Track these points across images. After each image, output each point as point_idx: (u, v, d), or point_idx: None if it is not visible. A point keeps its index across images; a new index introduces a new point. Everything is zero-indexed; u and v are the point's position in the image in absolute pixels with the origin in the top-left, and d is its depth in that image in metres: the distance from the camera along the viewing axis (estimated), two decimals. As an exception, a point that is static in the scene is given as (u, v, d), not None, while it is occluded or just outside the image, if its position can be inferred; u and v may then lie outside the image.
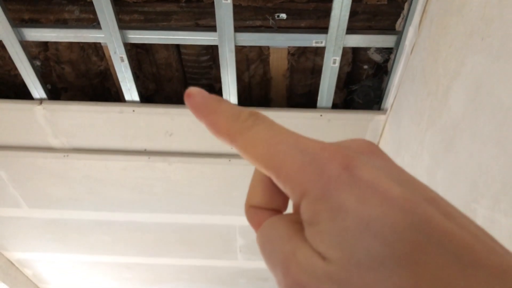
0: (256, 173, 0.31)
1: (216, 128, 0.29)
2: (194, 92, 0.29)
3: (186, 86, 2.00)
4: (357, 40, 1.63)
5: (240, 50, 1.84)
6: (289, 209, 0.30)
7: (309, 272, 0.22)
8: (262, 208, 0.31)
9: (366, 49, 1.80)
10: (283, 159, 0.25)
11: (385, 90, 1.80)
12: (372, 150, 0.26)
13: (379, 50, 1.77)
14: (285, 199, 0.31)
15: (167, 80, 1.97)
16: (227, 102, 0.29)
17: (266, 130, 0.27)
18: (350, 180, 0.23)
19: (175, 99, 2.04)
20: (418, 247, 0.21)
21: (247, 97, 2.02)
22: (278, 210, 0.31)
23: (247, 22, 1.72)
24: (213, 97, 0.29)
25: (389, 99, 1.78)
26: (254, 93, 2.03)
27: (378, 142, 1.92)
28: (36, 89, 1.86)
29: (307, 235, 0.24)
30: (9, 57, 1.76)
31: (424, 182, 0.25)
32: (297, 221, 0.26)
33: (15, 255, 3.15)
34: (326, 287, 0.22)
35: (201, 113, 0.29)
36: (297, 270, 0.23)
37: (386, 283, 0.21)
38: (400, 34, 1.61)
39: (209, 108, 0.29)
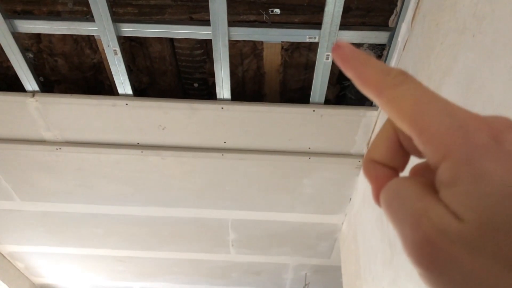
0: (385, 128, 0.31)
1: (365, 80, 0.29)
2: (342, 44, 0.30)
3: (179, 80, 2.01)
4: (350, 36, 1.64)
5: (234, 45, 1.85)
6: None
7: (442, 230, 0.23)
8: (382, 163, 0.31)
9: (359, 45, 1.80)
10: (431, 119, 0.26)
11: (377, 86, 1.81)
12: None
13: (372, 46, 1.78)
14: (406, 160, 0.31)
15: (161, 73, 1.97)
16: (375, 58, 0.30)
17: (416, 89, 0.27)
18: (498, 150, 0.24)
19: (169, 92, 2.04)
20: None
21: (240, 92, 2.03)
22: (396, 169, 0.31)
23: (241, 17, 1.72)
24: (361, 51, 0.30)
25: (382, 95, 1.79)
26: (248, 88, 2.03)
27: (370, 138, 1.93)
28: (29, 81, 1.85)
29: (442, 195, 0.24)
30: (1, 49, 1.75)
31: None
32: (427, 183, 0.26)
33: (7, 248, 3.14)
34: (458, 247, 0.23)
35: (351, 64, 0.30)
36: (429, 226, 0.24)
37: None
38: (393, 31, 1.62)
39: (359, 60, 0.29)
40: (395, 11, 1.65)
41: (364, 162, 0.32)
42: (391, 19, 1.68)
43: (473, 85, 1.05)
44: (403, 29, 1.55)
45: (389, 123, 0.30)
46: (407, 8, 1.51)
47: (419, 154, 0.29)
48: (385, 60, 1.71)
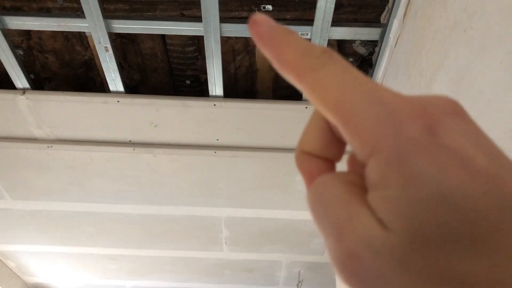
0: (315, 116, 0.28)
1: (283, 62, 0.25)
2: (260, 19, 0.26)
3: (171, 76, 2.00)
4: (342, 33, 1.64)
5: (226, 42, 1.84)
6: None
7: (366, 241, 0.20)
8: (314, 155, 0.28)
9: (351, 41, 1.80)
10: (356, 108, 0.22)
11: (369, 82, 1.81)
12: (457, 111, 0.23)
13: (364, 42, 1.78)
14: (341, 150, 0.28)
15: (152, 70, 1.96)
16: (297, 34, 0.26)
17: (341, 71, 0.24)
18: (432, 145, 0.20)
19: (161, 89, 2.03)
20: (501, 229, 0.18)
21: (233, 89, 2.02)
22: (332, 160, 0.28)
23: (233, 13, 1.72)
24: (282, 27, 0.26)
25: (374, 92, 1.80)
26: (240, 85, 2.03)
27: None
28: (19, 79, 1.83)
29: (370, 199, 0.21)
30: (-9, 46, 1.73)
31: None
32: (355, 183, 0.23)
33: (-2, 247, 3.12)
34: (384, 261, 0.20)
35: (267, 43, 0.25)
36: (352, 238, 0.21)
37: (455, 265, 0.19)
38: (384, 27, 1.62)
39: (277, 38, 0.25)
40: (386, 8, 1.65)
41: (295, 155, 0.29)
42: (383, 15, 1.68)
43: (464, 80, 1.06)
44: (395, 25, 1.56)
45: (318, 111, 0.26)
46: (399, 4, 1.52)
47: None
48: (377, 57, 1.71)
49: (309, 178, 0.28)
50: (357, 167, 0.25)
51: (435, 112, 0.22)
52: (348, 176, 0.24)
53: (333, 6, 1.52)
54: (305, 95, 0.25)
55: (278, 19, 1.69)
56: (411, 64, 1.40)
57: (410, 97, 0.23)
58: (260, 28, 0.26)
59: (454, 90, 1.11)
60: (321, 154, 0.28)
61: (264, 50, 0.26)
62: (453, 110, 0.23)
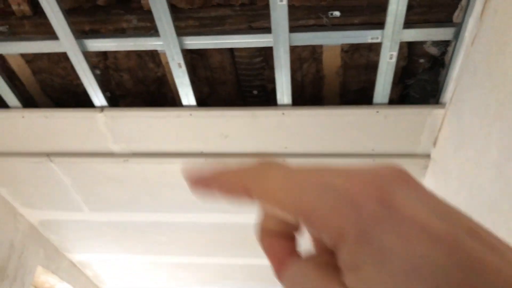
0: None
1: (232, 190, 0.27)
2: (193, 174, 0.28)
3: (239, 88, 2.03)
4: (414, 34, 1.60)
5: (293, 50, 1.85)
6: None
7: None
8: (276, 236, 0.29)
9: (422, 42, 1.76)
10: (311, 201, 0.23)
11: (443, 83, 1.76)
12: (404, 179, 0.24)
13: (436, 43, 1.74)
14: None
15: (221, 83, 2.01)
16: (228, 164, 0.28)
17: (282, 172, 0.25)
18: (389, 216, 0.21)
19: (228, 101, 2.07)
20: (467, 286, 0.19)
21: (299, 96, 2.03)
22: (293, 236, 0.29)
23: (300, 22, 1.73)
24: (214, 167, 0.28)
25: (448, 93, 1.75)
26: (307, 92, 2.03)
27: (437, 137, 1.88)
28: (97, 97, 1.93)
29: (347, 282, 0.22)
30: (72, 67, 1.84)
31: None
32: (328, 264, 0.24)
33: (77, 256, 3.28)
34: None
35: (215, 185, 0.28)
36: None
37: None
38: (458, 26, 1.57)
39: (217, 176, 0.28)
40: (459, 6, 1.60)
41: (258, 234, 0.30)
42: (455, 14, 1.63)
43: (558, 79, 1.01)
44: (471, 24, 1.51)
45: None
46: (475, 2, 1.47)
47: None
48: (451, 57, 1.66)
49: (276, 261, 0.29)
50: (325, 246, 0.25)
51: (384, 184, 0.23)
52: (320, 258, 0.25)
53: (405, 8, 1.49)
54: (262, 205, 0.26)
55: (345, 24, 1.69)
56: (492, 64, 1.35)
57: (358, 174, 0.24)
58: (201, 182, 0.28)
59: (547, 89, 1.06)
60: (282, 229, 0.29)
61: (218, 193, 0.28)
62: (400, 178, 0.24)
